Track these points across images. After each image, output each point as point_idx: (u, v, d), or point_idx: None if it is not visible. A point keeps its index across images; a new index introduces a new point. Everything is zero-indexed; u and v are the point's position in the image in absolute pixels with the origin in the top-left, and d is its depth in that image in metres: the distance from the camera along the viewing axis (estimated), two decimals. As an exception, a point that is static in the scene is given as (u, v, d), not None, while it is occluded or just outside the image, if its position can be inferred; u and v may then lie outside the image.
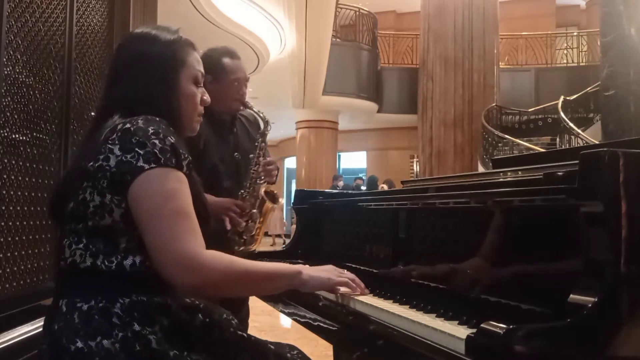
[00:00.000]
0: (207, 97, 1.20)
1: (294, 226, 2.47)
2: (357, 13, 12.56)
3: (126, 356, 0.92)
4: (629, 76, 7.44)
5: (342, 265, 1.35)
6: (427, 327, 0.98)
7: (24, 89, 1.60)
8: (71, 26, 1.88)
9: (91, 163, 1.00)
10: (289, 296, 1.55)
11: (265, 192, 2.06)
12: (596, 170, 0.85)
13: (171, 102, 1.11)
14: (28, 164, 1.63)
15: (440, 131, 10.83)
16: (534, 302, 0.96)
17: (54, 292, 1.04)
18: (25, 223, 1.61)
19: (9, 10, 1.51)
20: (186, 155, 1.03)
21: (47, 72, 1.74)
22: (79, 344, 0.92)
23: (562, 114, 9.02)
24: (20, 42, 1.57)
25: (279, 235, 13.90)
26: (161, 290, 1.00)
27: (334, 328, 1.35)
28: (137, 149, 0.97)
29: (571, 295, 0.83)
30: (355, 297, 1.27)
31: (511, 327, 0.77)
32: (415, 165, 13.01)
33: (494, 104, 10.81)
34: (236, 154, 2.06)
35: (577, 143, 8.07)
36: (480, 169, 9.58)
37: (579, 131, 8.34)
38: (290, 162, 13.98)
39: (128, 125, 1.00)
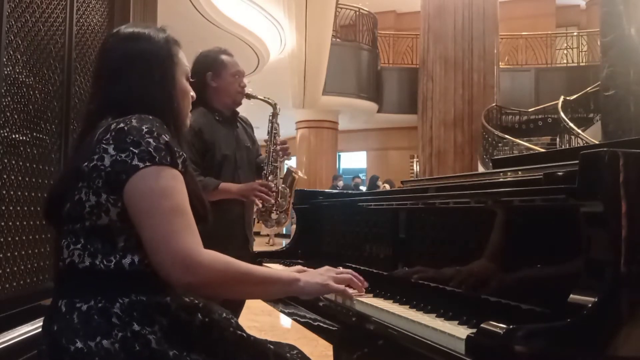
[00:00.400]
0: (193, 93, 1.22)
1: (294, 226, 2.48)
2: (357, 13, 12.56)
3: (126, 356, 0.92)
4: (629, 76, 7.44)
5: (342, 266, 1.35)
6: (427, 327, 0.98)
7: (24, 89, 1.60)
8: (71, 26, 1.88)
9: (85, 163, 0.99)
10: (289, 296, 1.56)
11: (288, 169, 2.32)
12: (596, 170, 0.85)
13: (171, 99, 1.12)
14: (28, 164, 1.63)
15: (440, 131, 10.83)
16: (534, 302, 0.96)
17: (53, 292, 1.04)
18: (25, 223, 1.61)
19: (9, 10, 1.51)
20: (181, 153, 1.03)
21: (47, 72, 1.74)
22: (79, 344, 0.92)
23: (562, 114, 9.03)
24: (20, 42, 1.57)
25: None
26: (160, 289, 1.00)
27: (334, 328, 1.35)
28: (131, 148, 0.97)
29: (571, 295, 0.83)
30: (356, 298, 1.27)
31: (511, 327, 0.77)
32: (415, 165, 13.01)
33: (494, 104, 10.81)
34: (248, 144, 2.26)
35: (577, 143, 8.08)
36: (480, 169, 9.59)
37: (579, 131, 8.34)
38: (290, 162, 13.97)
39: (122, 125, 1.00)
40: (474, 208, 1.18)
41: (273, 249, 2.34)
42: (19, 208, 1.58)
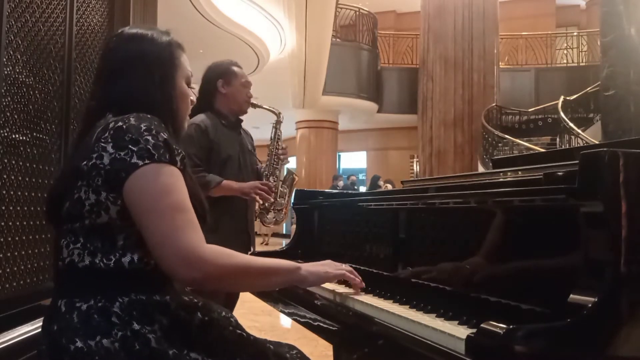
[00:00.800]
0: (194, 98, 1.23)
1: (294, 226, 2.50)
2: (357, 13, 12.56)
3: (126, 355, 0.92)
4: (629, 76, 7.44)
5: (342, 265, 1.35)
6: (427, 327, 0.98)
7: (24, 89, 1.60)
8: (71, 26, 1.88)
9: (85, 162, 1.00)
10: (289, 296, 1.56)
11: (289, 170, 2.57)
12: (596, 170, 0.85)
13: (170, 102, 1.12)
14: (28, 164, 1.63)
15: (440, 131, 10.83)
16: (534, 302, 0.96)
17: (53, 292, 1.04)
18: (25, 223, 1.61)
19: (9, 10, 1.51)
20: (180, 151, 1.03)
21: (47, 72, 1.74)
22: (79, 344, 0.92)
23: (562, 114, 9.02)
24: (20, 42, 1.57)
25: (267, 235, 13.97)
26: (160, 288, 1.00)
27: (334, 328, 1.35)
28: (130, 146, 0.97)
29: (571, 295, 0.83)
30: (355, 297, 1.27)
31: (511, 327, 0.77)
32: (415, 165, 13.00)
33: (494, 104, 10.81)
34: (250, 148, 2.47)
35: (577, 143, 8.07)
36: (480, 169, 9.59)
37: (579, 131, 8.34)
38: (290, 162, 13.96)
39: (120, 124, 1.00)
40: (474, 208, 1.18)
41: (270, 248, 2.37)
42: (19, 208, 1.58)
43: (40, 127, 1.70)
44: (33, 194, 1.65)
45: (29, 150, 1.64)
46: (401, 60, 13.28)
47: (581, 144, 7.67)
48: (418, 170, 11.87)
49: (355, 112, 12.57)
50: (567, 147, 8.03)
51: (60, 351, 0.93)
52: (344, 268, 1.26)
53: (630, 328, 0.81)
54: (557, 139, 9.53)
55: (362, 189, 13.02)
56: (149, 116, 1.04)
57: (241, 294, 2.38)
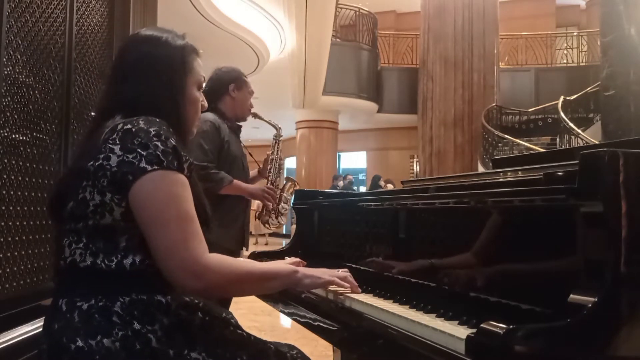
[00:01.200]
0: (205, 103, 1.23)
1: (294, 226, 2.51)
2: (357, 13, 12.55)
3: (126, 355, 0.92)
4: (629, 76, 7.43)
5: (342, 266, 1.36)
6: (427, 327, 0.98)
7: (24, 89, 1.60)
8: (71, 26, 1.88)
9: (91, 162, 1.00)
10: (290, 296, 1.55)
11: (287, 178, 2.81)
12: (596, 170, 0.85)
13: (177, 106, 1.12)
14: (28, 164, 1.63)
15: (440, 131, 10.82)
16: (534, 302, 0.96)
17: (53, 291, 1.04)
18: (25, 223, 1.61)
19: (9, 10, 1.51)
20: (187, 158, 1.03)
21: (47, 72, 1.74)
22: (79, 343, 0.92)
23: (562, 114, 9.02)
24: (20, 42, 1.57)
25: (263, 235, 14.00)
26: (161, 288, 1.00)
27: (334, 328, 1.35)
28: (139, 150, 0.97)
29: (571, 295, 0.83)
30: (355, 298, 1.27)
31: (511, 327, 0.77)
32: (415, 165, 13.00)
33: (494, 104, 10.81)
34: (248, 152, 2.63)
35: (577, 143, 8.07)
36: (480, 169, 9.59)
37: (579, 131, 8.33)
38: (290, 162, 13.96)
39: (129, 126, 1.00)
40: (474, 208, 1.18)
41: (270, 248, 2.37)
42: (19, 208, 1.58)
43: (40, 127, 1.70)
44: (33, 194, 1.65)
45: (29, 150, 1.64)
46: (401, 60, 13.27)
47: (581, 144, 7.66)
48: (418, 170, 11.87)
49: (355, 112, 12.57)
50: (567, 147, 8.03)
51: (60, 350, 0.93)
52: (337, 274, 1.26)
53: (630, 328, 0.81)
54: (557, 139, 9.52)
55: (362, 188, 13.02)
56: (157, 120, 1.04)
57: (240, 294, 2.39)
